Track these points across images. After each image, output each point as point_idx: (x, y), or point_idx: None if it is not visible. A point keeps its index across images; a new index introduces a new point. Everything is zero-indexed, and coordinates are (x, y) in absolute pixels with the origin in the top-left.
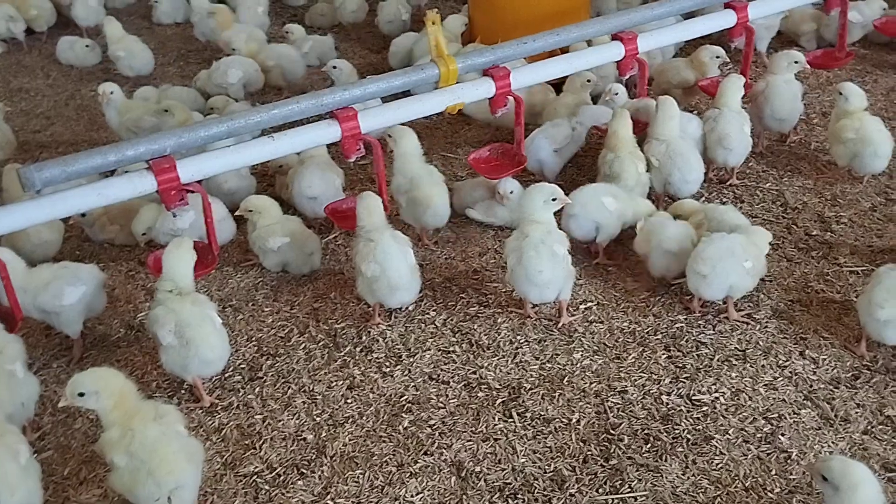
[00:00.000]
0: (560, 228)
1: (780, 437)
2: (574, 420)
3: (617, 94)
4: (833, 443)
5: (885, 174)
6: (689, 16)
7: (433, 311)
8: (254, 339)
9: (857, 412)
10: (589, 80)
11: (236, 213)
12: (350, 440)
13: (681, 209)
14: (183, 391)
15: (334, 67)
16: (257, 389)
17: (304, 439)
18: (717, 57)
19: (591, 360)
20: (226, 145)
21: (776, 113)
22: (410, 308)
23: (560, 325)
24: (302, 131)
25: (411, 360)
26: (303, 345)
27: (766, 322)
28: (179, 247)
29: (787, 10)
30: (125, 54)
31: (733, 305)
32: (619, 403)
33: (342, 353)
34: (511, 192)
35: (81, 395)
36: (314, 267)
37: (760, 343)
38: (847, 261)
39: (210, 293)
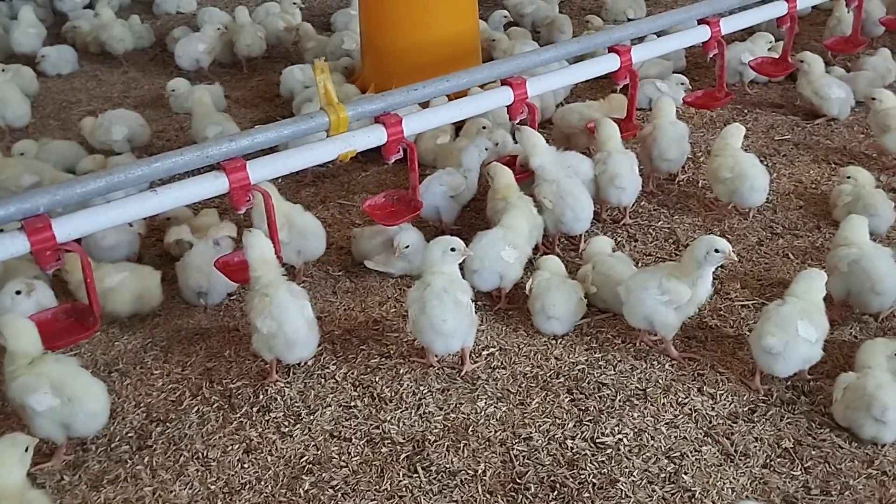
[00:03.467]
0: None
1: (683, 475)
2: (480, 471)
3: (496, 144)
4: (734, 478)
5: (770, 209)
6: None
7: (333, 364)
8: (142, 404)
9: (755, 446)
10: (484, 127)
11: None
12: None
13: (598, 246)
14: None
15: (172, 90)
16: (146, 459)
17: None
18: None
19: (495, 407)
20: (107, 201)
21: (664, 153)
22: (309, 363)
23: (463, 373)
24: (187, 184)
25: (311, 417)
26: (196, 408)
27: (664, 360)
28: (15, 322)
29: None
30: None
31: (669, 343)
32: (524, 451)
33: (238, 415)
34: (407, 248)
35: None
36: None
37: (660, 381)
38: (738, 295)
39: (95, 357)
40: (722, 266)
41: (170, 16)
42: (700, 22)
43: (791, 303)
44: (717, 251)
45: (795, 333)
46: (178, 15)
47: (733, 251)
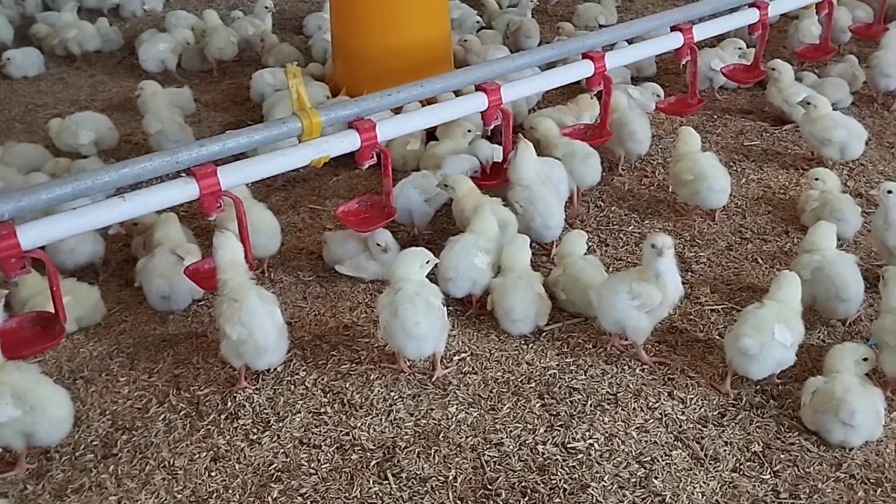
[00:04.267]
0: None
1: (653, 480)
2: (451, 477)
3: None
4: (704, 482)
5: (739, 214)
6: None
7: (303, 371)
8: (108, 412)
9: (725, 450)
10: (469, 130)
11: None
12: None
13: (571, 246)
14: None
15: (141, 89)
16: (112, 468)
17: None
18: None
19: (466, 413)
20: (72, 207)
21: (635, 135)
22: (279, 369)
23: (434, 378)
24: (156, 190)
25: (280, 424)
26: (162, 415)
27: (635, 364)
28: None
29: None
30: None
31: (640, 348)
32: (495, 457)
33: (206, 422)
34: (378, 245)
35: None
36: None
37: (630, 386)
38: (708, 300)
39: (59, 364)
40: (692, 271)
41: (137, 18)
42: (673, 29)
43: (769, 306)
44: (652, 246)
45: (772, 336)
46: (145, 16)
47: (671, 246)
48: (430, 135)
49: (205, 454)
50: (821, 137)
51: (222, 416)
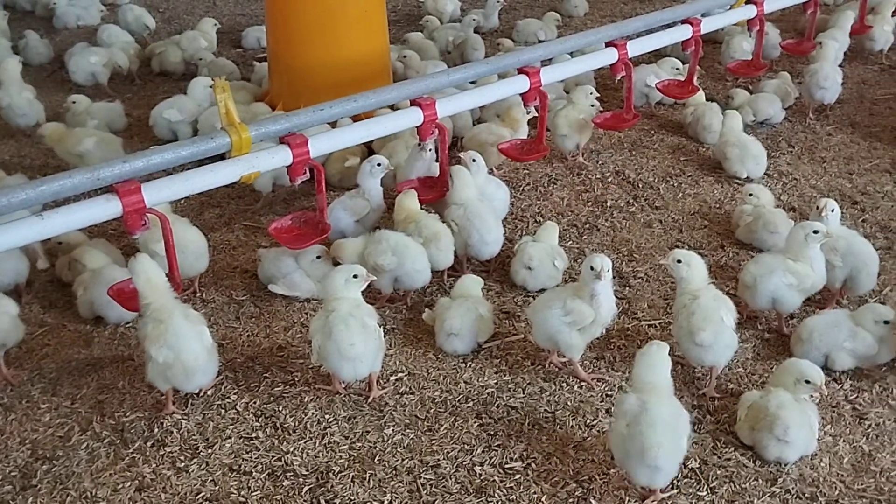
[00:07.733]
0: None
1: (591, 499)
2: (386, 502)
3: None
4: (642, 500)
5: (676, 228)
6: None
7: (234, 394)
8: (28, 441)
9: None
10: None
11: None
12: None
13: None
14: None
15: (73, 102)
16: (31, 499)
17: None
18: (528, 112)
19: (402, 434)
20: None
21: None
22: (209, 392)
23: (370, 399)
24: (77, 208)
25: (209, 451)
26: (85, 444)
27: (573, 381)
28: None
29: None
30: None
31: (577, 365)
32: (431, 479)
33: (131, 450)
34: (318, 258)
35: None
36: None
37: (568, 404)
38: (645, 315)
39: None
40: (629, 286)
41: (70, 31)
42: (608, 44)
43: (703, 294)
44: (591, 268)
45: (721, 322)
46: (78, 29)
47: (609, 268)
48: (371, 150)
49: (129, 484)
50: (721, 155)
51: (148, 444)
